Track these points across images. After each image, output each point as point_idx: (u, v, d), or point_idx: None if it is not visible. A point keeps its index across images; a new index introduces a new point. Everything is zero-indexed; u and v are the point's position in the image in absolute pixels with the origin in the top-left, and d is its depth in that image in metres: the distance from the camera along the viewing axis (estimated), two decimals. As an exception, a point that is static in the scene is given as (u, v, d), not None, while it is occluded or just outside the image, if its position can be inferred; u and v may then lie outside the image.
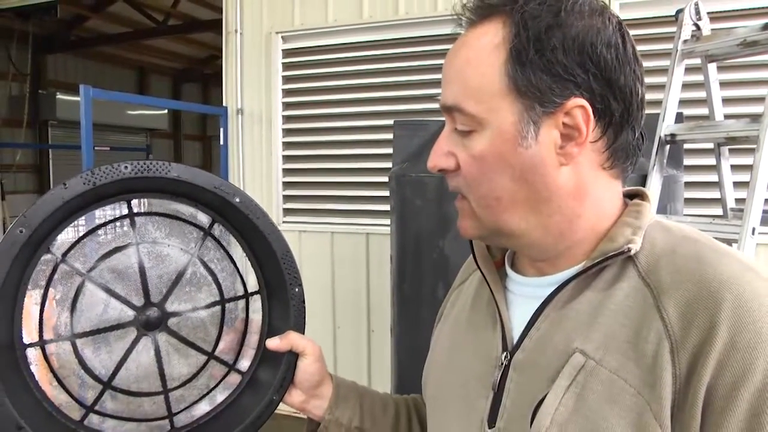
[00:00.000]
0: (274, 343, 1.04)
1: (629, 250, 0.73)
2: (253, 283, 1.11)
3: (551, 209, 0.77)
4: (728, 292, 0.65)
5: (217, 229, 1.09)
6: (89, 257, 1.00)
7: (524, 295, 0.84)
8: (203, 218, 1.08)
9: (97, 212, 1.01)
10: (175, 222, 1.06)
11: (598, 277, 0.76)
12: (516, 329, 0.82)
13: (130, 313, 1.01)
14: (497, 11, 0.76)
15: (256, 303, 1.11)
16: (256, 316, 1.10)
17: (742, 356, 0.63)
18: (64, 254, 0.98)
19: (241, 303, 1.11)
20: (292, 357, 1.05)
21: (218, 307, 1.08)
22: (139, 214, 1.04)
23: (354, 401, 1.08)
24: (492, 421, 0.79)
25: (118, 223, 1.03)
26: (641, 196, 0.82)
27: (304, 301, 1.08)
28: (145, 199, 1.04)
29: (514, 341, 0.81)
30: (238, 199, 1.06)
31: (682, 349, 0.66)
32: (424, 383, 1.02)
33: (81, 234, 1.00)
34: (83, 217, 0.99)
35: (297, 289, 1.08)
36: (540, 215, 0.77)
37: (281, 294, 1.08)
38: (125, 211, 1.03)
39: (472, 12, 0.79)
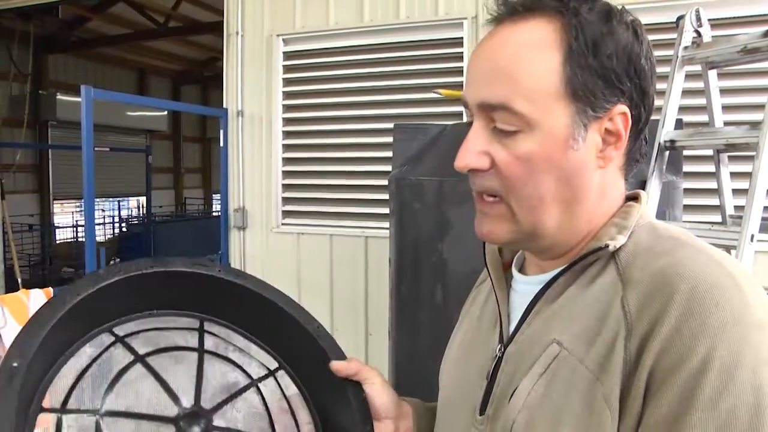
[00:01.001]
0: (340, 366, 0.98)
1: (607, 246, 0.75)
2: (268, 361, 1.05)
3: (581, 210, 0.79)
4: (684, 283, 0.67)
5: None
6: (146, 344, 0.96)
7: (523, 292, 0.86)
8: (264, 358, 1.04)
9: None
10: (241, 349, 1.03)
11: (583, 274, 0.78)
12: (513, 324, 0.85)
13: (173, 410, 0.92)
14: (543, 10, 0.76)
15: (284, 379, 1.04)
16: (290, 391, 1.04)
17: (684, 342, 0.64)
18: (125, 336, 0.95)
19: (271, 384, 1.03)
20: (357, 389, 0.99)
21: (258, 401, 1.01)
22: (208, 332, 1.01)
23: (431, 416, 1.05)
24: (483, 409, 0.83)
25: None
26: (636, 198, 0.84)
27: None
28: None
29: (510, 335, 0.84)
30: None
31: (634, 335, 0.68)
32: (440, 376, 1.03)
33: (146, 327, 0.98)
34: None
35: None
36: (570, 215, 0.79)
37: (310, 364, 1.02)
38: (196, 325, 1.01)
39: (516, 6, 0.78)
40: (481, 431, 0.82)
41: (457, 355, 0.98)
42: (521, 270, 0.90)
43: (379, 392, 0.99)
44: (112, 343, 0.93)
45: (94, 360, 0.91)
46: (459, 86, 3.84)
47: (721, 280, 0.67)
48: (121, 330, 0.96)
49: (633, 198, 0.85)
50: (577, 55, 0.73)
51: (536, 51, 0.74)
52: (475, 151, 0.78)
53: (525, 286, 0.87)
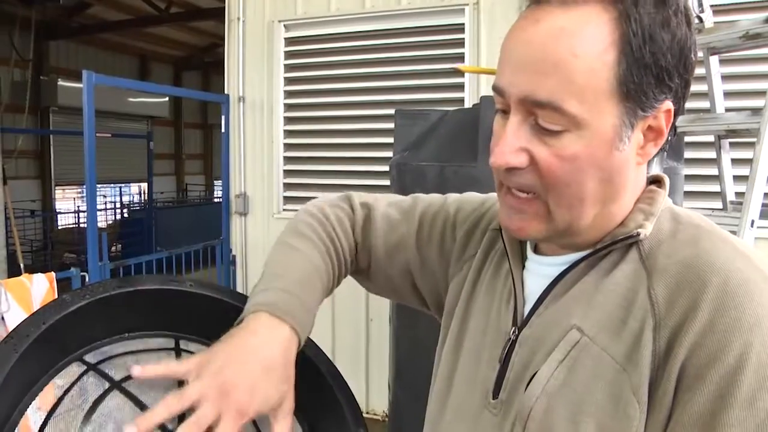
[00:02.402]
0: None
1: (638, 234, 0.73)
2: None
3: (616, 206, 0.76)
4: (715, 276, 0.66)
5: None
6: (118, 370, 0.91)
7: (539, 273, 0.84)
8: None
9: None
10: None
11: (605, 259, 0.76)
12: (528, 306, 0.83)
13: None
14: None
15: None
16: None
17: (719, 339, 0.63)
18: (98, 363, 0.89)
19: None
20: (346, 390, 0.96)
21: None
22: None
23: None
24: (496, 392, 0.81)
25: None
26: (659, 181, 0.82)
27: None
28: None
29: (524, 317, 0.82)
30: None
31: (664, 327, 0.67)
32: (441, 344, 0.99)
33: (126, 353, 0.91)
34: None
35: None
36: (605, 212, 0.76)
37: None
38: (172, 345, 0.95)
39: None
40: (495, 414, 0.80)
41: (465, 324, 0.93)
42: (536, 250, 0.87)
43: None
44: (84, 372, 0.87)
45: (66, 392, 0.84)
46: (460, 73, 3.83)
47: (751, 274, 0.66)
48: (92, 357, 0.89)
49: (654, 181, 0.82)
50: (634, 53, 0.68)
51: (592, 46, 0.68)
52: (513, 148, 0.72)
53: (542, 267, 0.83)
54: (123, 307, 0.91)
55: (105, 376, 0.87)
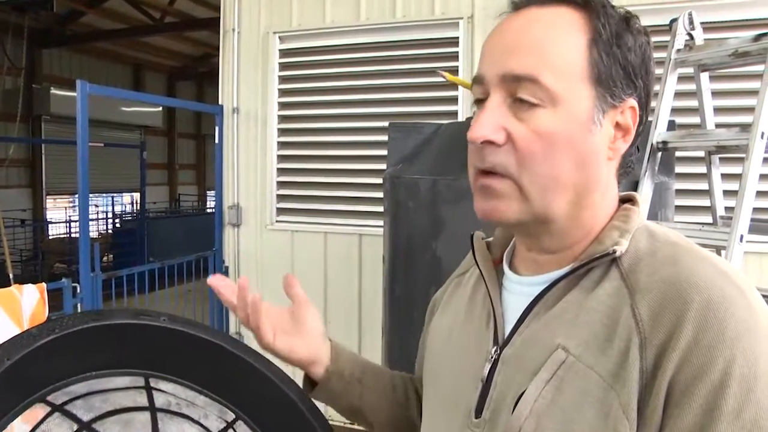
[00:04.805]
0: (290, 284, 1.03)
1: (614, 252, 0.75)
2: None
3: (588, 201, 0.79)
4: (697, 294, 0.68)
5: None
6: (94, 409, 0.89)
7: (518, 293, 0.85)
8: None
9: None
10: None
11: (585, 278, 0.78)
12: (508, 325, 0.84)
13: None
14: (569, 2, 0.78)
15: (241, 428, 0.98)
16: None
17: (703, 354, 0.65)
18: (64, 403, 0.86)
19: None
20: (325, 427, 0.97)
21: None
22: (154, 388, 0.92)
23: (353, 358, 1.09)
24: (479, 411, 0.82)
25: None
26: (632, 200, 0.85)
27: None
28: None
29: (505, 336, 0.83)
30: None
31: (650, 345, 0.68)
32: (423, 369, 1.03)
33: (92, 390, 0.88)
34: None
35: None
36: (578, 205, 0.79)
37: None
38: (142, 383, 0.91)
39: None
40: None
41: (442, 350, 0.97)
42: (512, 267, 0.89)
43: (313, 314, 1.04)
44: (49, 414, 0.83)
45: None
46: (454, 86, 3.85)
47: (730, 290, 0.68)
48: (56, 397, 0.84)
49: (627, 200, 0.85)
50: (603, 41, 0.75)
51: (565, 30, 0.76)
52: (492, 124, 0.76)
53: (522, 287, 0.85)
54: (93, 343, 0.85)
55: (73, 417, 0.84)
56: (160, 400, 0.93)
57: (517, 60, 0.75)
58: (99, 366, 0.87)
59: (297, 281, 1.03)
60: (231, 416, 0.96)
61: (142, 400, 0.91)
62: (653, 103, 2.51)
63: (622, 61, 0.76)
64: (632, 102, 0.78)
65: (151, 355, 0.90)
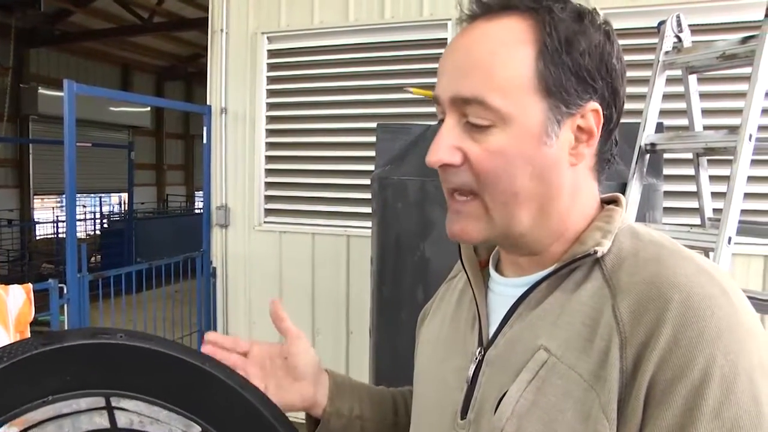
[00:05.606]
0: (276, 312, 1.03)
1: (596, 252, 0.75)
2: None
3: (554, 208, 0.79)
4: (677, 293, 0.67)
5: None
6: None
7: (503, 294, 0.86)
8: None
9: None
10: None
11: (568, 278, 0.78)
12: (492, 326, 0.84)
13: None
14: (517, 9, 0.77)
15: None
16: None
17: (683, 353, 0.65)
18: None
19: None
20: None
21: None
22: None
23: (351, 391, 1.08)
24: (464, 412, 0.82)
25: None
26: (616, 201, 0.85)
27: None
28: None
29: (490, 337, 0.83)
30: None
31: (630, 345, 0.68)
32: (414, 372, 1.04)
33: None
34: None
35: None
36: (544, 214, 0.78)
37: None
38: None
39: (490, 5, 0.78)
40: None
41: (431, 353, 0.97)
42: (498, 269, 0.90)
43: (305, 350, 1.03)
44: None
45: None
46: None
47: (711, 289, 0.68)
48: (9, 429, 0.81)
49: (611, 201, 0.85)
50: (551, 52, 0.74)
51: (510, 46, 0.75)
52: (447, 146, 0.77)
53: (506, 288, 0.86)
54: (46, 368, 0.82)
55: None
56: (122, 420, 0.90)
57: (464, 83, 0.75)
58: (56, 390, 0.84)
59: (286, 314, 1.03)
60: (196, 429, 0.94)
61: (103, 421, 0.87)
62: (641, 106, 2.53)
63: (574, 68, 0.75)
64: (593, 105, 0.76)
65: (110, 374, 0.88)
